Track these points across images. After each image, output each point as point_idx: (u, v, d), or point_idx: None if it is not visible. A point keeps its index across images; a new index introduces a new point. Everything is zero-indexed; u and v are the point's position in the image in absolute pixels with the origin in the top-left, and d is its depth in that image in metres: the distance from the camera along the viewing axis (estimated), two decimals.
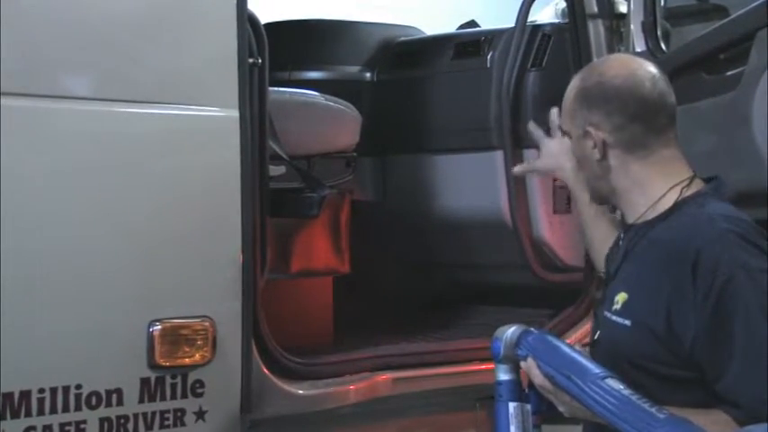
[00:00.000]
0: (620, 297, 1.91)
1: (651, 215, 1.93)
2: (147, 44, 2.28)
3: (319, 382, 2.64)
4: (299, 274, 3.05)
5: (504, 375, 1.93)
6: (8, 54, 2.06)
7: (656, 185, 1.93)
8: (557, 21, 3.32)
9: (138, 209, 2.25)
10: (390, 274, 3.61)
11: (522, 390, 1.93)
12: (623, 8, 3.03)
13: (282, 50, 3.15)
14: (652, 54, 2.87)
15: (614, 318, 1.90)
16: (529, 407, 1.91)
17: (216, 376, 2.34)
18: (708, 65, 2.62)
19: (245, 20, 2.40)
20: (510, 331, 1.92)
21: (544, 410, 1.92)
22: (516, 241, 3.17)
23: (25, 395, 2.11)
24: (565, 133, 2.04)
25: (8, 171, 2.06)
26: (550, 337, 1.88)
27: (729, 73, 2.53)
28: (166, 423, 2.28)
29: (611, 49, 3.03)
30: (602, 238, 2.20)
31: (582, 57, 3.03)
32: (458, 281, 3.60)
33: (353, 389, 2.69)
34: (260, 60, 2.51)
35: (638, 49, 2.91)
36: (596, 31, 3.08)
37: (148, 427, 2.26)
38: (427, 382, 2.84)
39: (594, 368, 1.75)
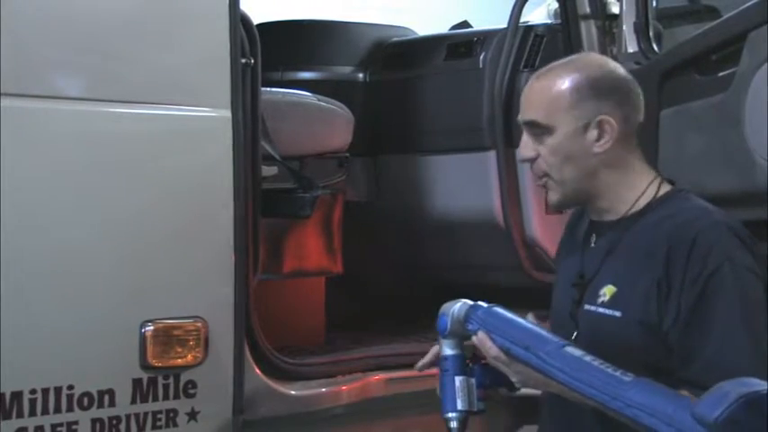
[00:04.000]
0: (608, 290, 1.91)
1: (633, 210, 1.94)
2: (139, 44, 2.28)
3: (312, 383, 2.64)
4: (292, 274, 3.05)
5: (449, 350, 1.96)
6: (1, 54, 2.06)
7: (641, 180, 1.96)
8: (549, 21, 3.33)
9: (130, 209, 2.25)
10: (383, 274, 3.61)
11: (466, 364, 1.95)
12: (615, 9, 3.04)
13: (275, 51, 3.15)
14: (644, 55, 2.88)
15: (600, 310, 1.91)
16: (473, 380, 1.94)
17: (208, 377, 2.34)
18: (700, 66, 2.62)
19: (238, 20, 2.40)
20: (457, 307, 1.94)
21: (488, 384, 1.94)
22: (508, 242, 3.17)
23: (17, 396, 2.11)
24: (542, 130, 1.95)
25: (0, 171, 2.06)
26: (501, 310, 1.88)
27: (721, 74, 2.54)
28: (158, 424, 2.28)
29: (603, 50, 3.03)
30: None
31: None
32: (450, 281, 3.60)
33: (346, 389, 2.69)
34: (252, 61, 2.52)
35: (630, 50, 2.92)
36: (588, 31, 3.08)
37: (140, 427, 2.26)
38: (419, 383, 2.83)
39: (553, 338, 1.77)
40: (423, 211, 3.44)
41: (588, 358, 1.69)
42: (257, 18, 2.69)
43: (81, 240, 2.19)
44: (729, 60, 2.50)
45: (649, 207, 1.93)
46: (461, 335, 1.94)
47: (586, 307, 1.95)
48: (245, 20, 2.50)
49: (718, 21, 2.70)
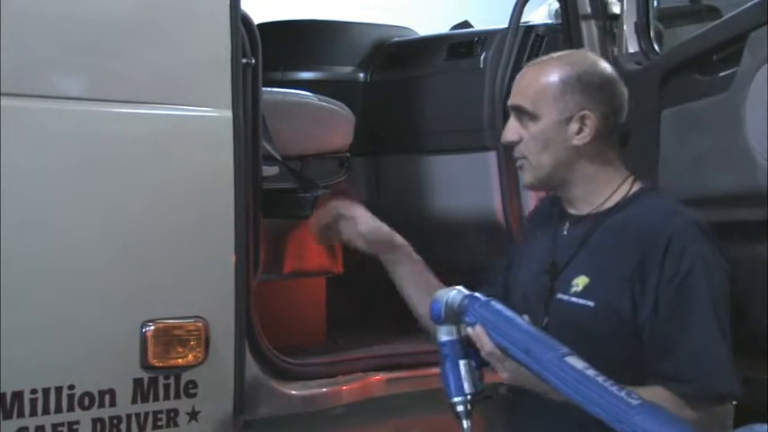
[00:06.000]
0: (581, 281, 2.00)
1: (606, 205, 2.05)
2: (140, 44, 2.28)
3: (312, 383, 2.64)
4: (292, 274, 3.05)
5: (446, 336, 1.95)
6: (1, 54, 2.06)
7: (615, 177, 2.08)
8: (550, 21, 3.33)
9: (130, 209, 2.25)
10: (383, 274, 3.61)
11: (465, 347, 1.94)
12: (616, 9, 3.04)
13: (276, 51, 3.15)
14: (645, 55, 2.87)
15: (573, 299, 1.99)
16: (473, 363, 1.94)
17: (209, 377, 2.34)
18: (701, 66, 2.62)
19: (239, 20, 2.40)
20: (451, 295, 1.94)
21: (486, 366, 1.94)
22: (509, 242, 3.17)
23: (18, 396, 2.11)
24: (528, 116, 2.05)
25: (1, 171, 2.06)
26: (499, 306, 1.87)
27: (722, 74, 2.53)
28: (159, 424, 2.28)
29: (604, 50, 3.03)
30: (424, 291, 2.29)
31: None
32: (451, 281, 3.60)
33: (346, 389, 2.69)
34: (253, 60, 2.52)
35: (631, 50, 2.91)
36: (589, 31, 3.08)
37: (141, 427, 2.26)
38: (420, 383, 2.84)
39: (554, 344, 1.75)
40: (423, 211, 3.44)
41: (591, 372, 1.67)
42: (258, 18, 2.69)
43: (81, 240, 2.19)
44: (730, 60, 2.50)
45: (621, 204, 2.05)
46: (456, 321, 1.94)
47: (559, 296, 2.03)
48: (245, 20, 2.50)
49: (719, 21, 2.69)
